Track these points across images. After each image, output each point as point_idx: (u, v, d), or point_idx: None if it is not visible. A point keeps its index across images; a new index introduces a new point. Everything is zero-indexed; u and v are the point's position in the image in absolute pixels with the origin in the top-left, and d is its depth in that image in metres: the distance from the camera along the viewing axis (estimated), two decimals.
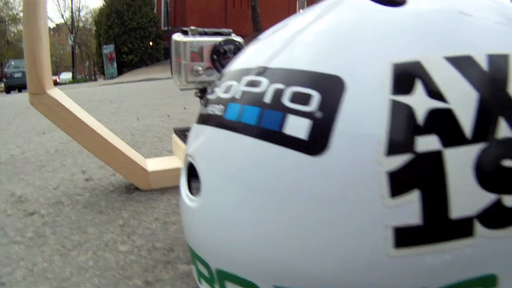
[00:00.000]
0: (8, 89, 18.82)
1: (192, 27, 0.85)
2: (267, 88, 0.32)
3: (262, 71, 0.34)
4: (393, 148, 0.27)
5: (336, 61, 0.31)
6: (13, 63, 20.26)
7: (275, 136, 0.30)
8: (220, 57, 0.86)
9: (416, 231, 0.27)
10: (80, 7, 38.37)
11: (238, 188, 0.33)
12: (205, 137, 0.38)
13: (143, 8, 18.78)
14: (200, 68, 0.86)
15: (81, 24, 39.21)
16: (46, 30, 0.71)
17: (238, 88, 0.35)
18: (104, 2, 20.30)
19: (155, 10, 19.92)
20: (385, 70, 0.29)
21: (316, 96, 0.30)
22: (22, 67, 19.13)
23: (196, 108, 1.61)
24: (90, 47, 35.92)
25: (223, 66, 0.87)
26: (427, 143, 0.27)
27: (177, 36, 0.86)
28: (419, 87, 0.28)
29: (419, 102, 0.28)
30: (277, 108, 0.31)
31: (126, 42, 18.04)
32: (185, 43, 0.84)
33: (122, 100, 3.04)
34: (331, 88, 0.29)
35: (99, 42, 19.95)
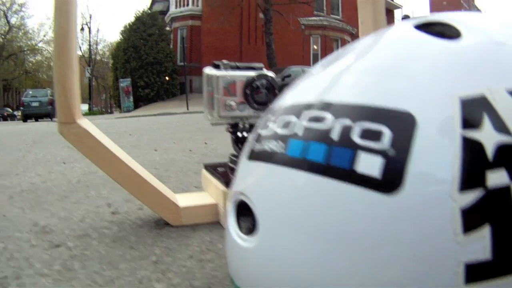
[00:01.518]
0: (25, 118, 19.15)
1: (225, 61, 0.85)
2: (333, 124, 0.31)
3: (325, 106, 0.33)
4: (466, 184, 0.27)
5: (403, 96, 0.30)
6: (30, 92, 20.69)
7: (346, 174, 0.29)
8: (253, 92, 0.86)
9: (487, 266, 0.27)
10: (98, 40, 39.20)
11: (303, 228, 0.31)
12: (261, 174, 0.36)
13: (160, 43, 19.13)
14: (233, 103, 0.85)
15: (98, 57, 40.06)
16: (76, 60, 0.71)
17: (299, 123, 0.34)
18: (121, 37, 20.73)
19: (171, 46, 20.32)
20: (453, 105, 0.28)
21: (387, 133, 0.29)
22: (39, 97, 19.52)
23: (216, 143, 1.61)
24: (106, 80, 36.61)
25: (256, 101, 0.86)
26: (497, 178, 0.27)
27: (209, 70, 0.86)
28: (486, 122, 0.28)
29: (488, 137, 0.27)
30: (347, 145, 0.30)
31: (142, 76, 18.34)
32: (218, 77, 0.84)
33: (141, 133, 3.07)
34: (402, 125, 0.29)
35: (116, 76, 20.35)
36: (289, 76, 12.71)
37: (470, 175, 0.27)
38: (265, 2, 17.21)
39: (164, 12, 23.22)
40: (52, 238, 0.84)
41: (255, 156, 0.38)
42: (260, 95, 0.88)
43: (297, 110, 0.36)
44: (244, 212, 0.38)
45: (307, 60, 21.69)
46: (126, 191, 0.84)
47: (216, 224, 0.87)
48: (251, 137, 0.43)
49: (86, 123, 0.78)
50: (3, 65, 39.42)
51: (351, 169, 0.29)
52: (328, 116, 0.32)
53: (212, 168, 0.97)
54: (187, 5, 21.21)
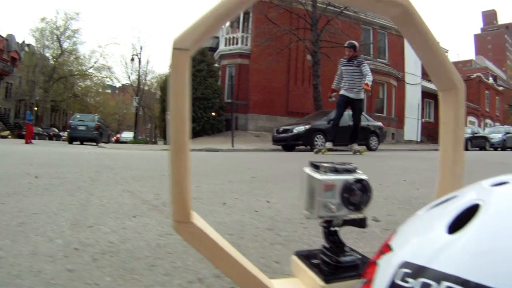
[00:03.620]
0: (71, 140, 19.77)
1: (325, 164, 0.91)
2: None
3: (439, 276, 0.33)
4: None
5: None
6: (78, 116, 21.45)
7: None
8: (350, 194, 0.92)
9: None
10: (147, 71, 40.29)
11: None
12: None
13: (208, 80, 19.57)
14: (333, 207, 0.91)
15: (146, 87, 41.04)
16: (190, 160, 0.77)
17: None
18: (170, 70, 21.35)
19: (219, 82, 20.78)
20: None
21: None
22: (86, 121, 20.22)
23: (278, 202, 1.63)
24: (152, 110, 37.52)
25: (351, 203, 0.92)
26: None
27: (310, 171, 0.92)
28: None
29: None
30: None
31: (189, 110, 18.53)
32: (320, 181, 0.90)
33: (196, 177, 3.12)
34: None
35: (163, 108, 20.77)
36: None
37: None
38: (313, 45, 17.54)
39: (213, 49, 23.78)
40: None
41: None
42: (355, 197, 0.93)
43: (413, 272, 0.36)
44: None
45: None
46: (235, 283, 0.86)
47: None
48: None
49: (199, 221, 0.84)
50: (53, 87, 41.16)
51: None
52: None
53: (304, 257, 1.02)
54: (237, 43, 21.78)
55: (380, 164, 5.71)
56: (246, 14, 22.14)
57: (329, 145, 8.33)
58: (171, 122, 0.80)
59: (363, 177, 0.95)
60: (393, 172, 4.37)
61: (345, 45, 7.99)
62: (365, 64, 7.67)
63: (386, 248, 0.43)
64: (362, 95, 7.90)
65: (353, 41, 8.07)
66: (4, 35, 45.45)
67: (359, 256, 0.87)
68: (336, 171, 0.94)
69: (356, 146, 8.58)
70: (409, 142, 26.18)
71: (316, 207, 0.92)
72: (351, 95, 7.74)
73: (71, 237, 1.44)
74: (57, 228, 1.56)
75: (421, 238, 0.40)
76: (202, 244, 0.80)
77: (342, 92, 7.83)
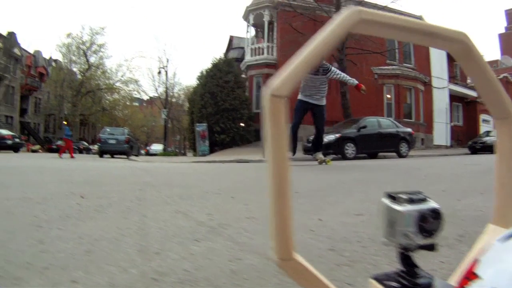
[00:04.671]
0: (101, 153, 20.09)
1: (401, 195, 0.98)
2: None
3: None
4: None
5: None
6: (108, 129, 21.79)
7: None
8: (425, 223, 1.00)
9: None
10: (174, 84, 40.65)
11: None
12: None
13: (236, 90, 19.72)
14: (412, 235, 0.99)
15: (173, 100, 41.30)
16: (291, 200, 0.81)
17: None
18: (198, 82, 21.50)
19: (246, 93, 20.92)
20: None
21: None
22: (116, 135, 20.51)
23: (328, 220, 1.67)
24: (181, 122, 37.82)
25: (426, 231, 1.00)
26: None
27: (388, 202, 0.99)
28: None
29: None
30: None
31: (218, 122, 18.89)
32: (401, 212, 0.97)
33: (238, 189, 3.18)
34: None
35: (192, 120, 21.02)
36: (364, 127, 12.77)
37: None
38: (338, 52, 17.47)
39: (239, 59, 23.92)
40: None
41: None
42: (430, 225, 1.02)
43: None
44: None
45: (380, 109, 21.50)
46: None
47: None
48: None
49: (301, 259, 0.89)
50: (82, 101, 42.00)
51: None
52: None
53: (382, 281, 1.09)
54: (262, 53, 21.91)
55: (415, 172, 5.71)
56: (270, 24, 22.25)
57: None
58: (271, 166, 0.84)
59: (436, 206, 1.04)
60: (429, 181, 4.37)
61: None
62: (334, 71, 7.05)
63: (473, 276, 0.46)
64: (324, 102, 7.28)
65: None
66: (31, 51, 46.68)
67: (436, 279, 0.95)
68: (412, 201, 1.03)
69: (320, 155, 8.02)
70: (439, 147, 25.83)
71: (396, 236, 1.02)
72: (311, 101, 7.16)
73: (143, 266, 1.45)
74: (126, 256, 1.57)
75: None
76: (306, 281, 0.85)
77: (301, 97, 7.19)
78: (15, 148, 24.81)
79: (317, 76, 6.94)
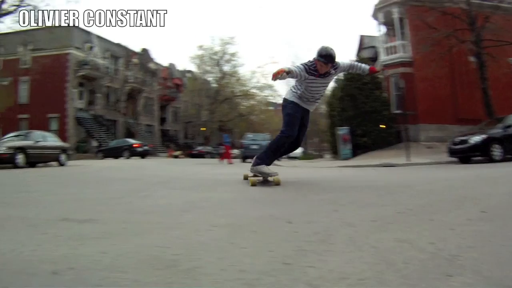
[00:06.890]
0: (244, 158, 21.53)
1: None
2: None
3: None
4: None
5: None
6: (250, 135, 23.71)
7: None
8: None
9: None
10: None
11: None
12: None
13: (375, 92, 19.89)
14: None
15: None
16: None
17: None
18: (335, 85, 21.81)
19: (384, 93, 20.88)
20: None
21: None
22: (258, 140, 22.12)
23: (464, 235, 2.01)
24: (318, 124, 38.03)
25: None
26: None
27: None
28: None
29: None
30: None
31: (360, 124, 19.16)
32: None
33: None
34: None
35: (332, 123, 21.75)
36: (510, 126, 11.67)
37: None
38: (475, 45, 16.73)
39: (372, 59, 23.82)
40: None
41: None
42: None
43: None
44: None
45: None
46: None
47: None
48: None
49: None
50: (219, 108, 44.90)
51: None
52: None
53: None
54: (396, 52, 21.82)
55: None
56: (401, 21, 21.88)
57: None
58: None
59: None
60: None
61: (321, 59, 5.20)
62: (342, 65, 5.60)
63: None
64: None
65: (329, 50, 5.32)
66: (166, 65, 51.07)
67: None
68: None
69: (266, 168, 5.71)
70: None
71: None
72: (308, 108, 5.80)
73: None
74: None
75: None
76: None
77: (299, 102, 5.65)
78: (143, 154, 28.70)
79: (325, 79, 5.51)
